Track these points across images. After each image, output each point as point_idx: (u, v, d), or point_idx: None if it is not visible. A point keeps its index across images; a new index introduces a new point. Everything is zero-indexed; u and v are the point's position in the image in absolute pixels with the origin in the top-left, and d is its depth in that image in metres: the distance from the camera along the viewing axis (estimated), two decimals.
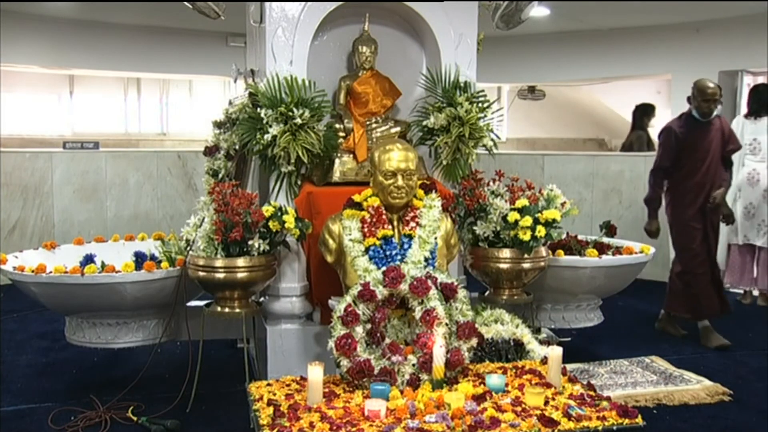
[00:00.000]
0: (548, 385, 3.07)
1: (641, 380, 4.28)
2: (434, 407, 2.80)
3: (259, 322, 4.11)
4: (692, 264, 5.07)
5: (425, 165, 4.13)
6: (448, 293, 3.25)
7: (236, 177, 4.30)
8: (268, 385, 3.16)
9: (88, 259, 4.13)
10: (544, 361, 3.34)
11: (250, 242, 3.52)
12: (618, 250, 4.53)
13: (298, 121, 3.75)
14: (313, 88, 3.90)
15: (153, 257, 4.22)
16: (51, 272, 3.76)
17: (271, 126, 3.77)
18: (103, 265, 3.87)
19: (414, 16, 4.18)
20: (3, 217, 6.86)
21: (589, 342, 5.03)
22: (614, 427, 2.75)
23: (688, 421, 3.76)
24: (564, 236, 4.42)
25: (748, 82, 7.36)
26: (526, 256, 3.81)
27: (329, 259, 3.56)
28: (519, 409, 2.82)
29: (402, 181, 3.42)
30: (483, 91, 4.23)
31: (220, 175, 4.51)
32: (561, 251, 4.30)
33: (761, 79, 7.94)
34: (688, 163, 5.02)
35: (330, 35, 4.20)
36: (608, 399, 2.95)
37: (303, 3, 3.92)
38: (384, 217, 3.48)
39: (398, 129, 4.14)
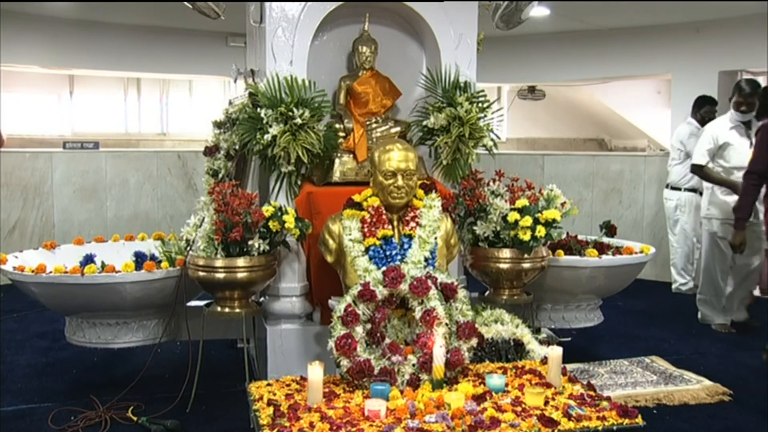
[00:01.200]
0: (548, 385, 3.07)
1: (641, 380, 4.28)
2: (434, 407, 2.80)
3: (259, 322, 4.11)
4: None
5: (425, 165, 4.13)
6: (448, 293, 3.25)
7: (236, 177, 4.30)
8: (268, 385, 3.16)
9: (88, 259, 4.13)
10: (544, 361, 3.34)
11: (250, 242, 3.52)
12: (618, 250, 4.53)
13: (298, 121, 3.75)
14: (313, 88, 3.90)
15: (153, 257, 4.22)
16: (51, 272, 3.76)
17: (271, 126, 3.76)
18: (103, 265, 3.87)
19: (414, 16, 4.17)
20: (3, 217, 6.86)
21: (589, 342, 5.03)
22: (614, 427, 2.74)
23: (688, 421, 3.76)
24: (564, 236, 4.42)
25: None
26: (526, 256, 3.81)
27: (329, 259, 3.55)
28: (519, 409, 2.82)
29: (402, 181, 3.42)
30: (483, 91, 4.23)
31: (220, 175, 4.52)
32: (561, 251, 4.30)
33: (761, 80, 7.94)
34: None
35: (330, 35, 4.20)
36: (608, 399, 2.95)
37: (303, 3, 3.92)
38: (384, 217, 3.48)
39: (398, 129, 4.14)
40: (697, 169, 5.47)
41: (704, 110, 6.54)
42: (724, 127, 5.36)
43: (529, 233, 3.74)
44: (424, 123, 4.11)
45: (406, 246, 3.44)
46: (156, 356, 4.17)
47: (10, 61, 7.42)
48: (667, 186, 6.69)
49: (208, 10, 4.21)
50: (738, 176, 5.10)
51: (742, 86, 5.24)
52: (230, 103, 4.81)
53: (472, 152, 4.10)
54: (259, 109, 3.81)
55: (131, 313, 3.90)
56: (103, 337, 3.94)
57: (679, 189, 6.53)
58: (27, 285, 3.85)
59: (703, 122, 6.49)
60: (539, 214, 3.77)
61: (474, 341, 3.24)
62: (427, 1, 4.11)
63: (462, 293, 3.30)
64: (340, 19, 4.16)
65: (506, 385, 3.08)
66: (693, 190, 6.38)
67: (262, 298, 4.07)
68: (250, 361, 4.14)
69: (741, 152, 5.18)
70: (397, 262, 3.35)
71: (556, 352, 3.13)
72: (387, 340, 3.19)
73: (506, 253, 3.82)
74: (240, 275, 3.52)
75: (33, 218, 7.02)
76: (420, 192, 3.58)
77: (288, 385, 3.14)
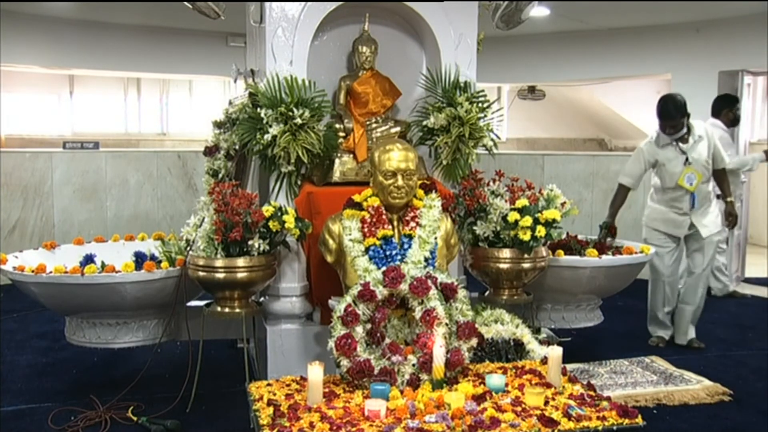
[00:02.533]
0: (548, 385, 3.07)
1: (641, 380, 4.28)
2: (434, 407, 2.80)
3: (259, 322, 4.11)
4: None
5: (425, 165, 4.13)
6: (448, 293, 3.25)
7: (236, 177, 4.30)
8: (268, 385, 3.16)
9: (88, 259, 4.12)
10: (544, 361, 3.34)
11: (250, 242, 3.51)
12: (618, 250, 4.53)
13: (298, 121, 3.75)
14: (313, 88, 3.90)
15: (153, 257, 4.21)
16: (51, 272, 3.76)
17: (271, 126, 3.76)
18: (103, 265, 3.87)
19: (414, 16, 4.17)
20: (3, 217, 6.86)
21: (589, 342, 5.03)
22: (614, 427, 2.74)
23: (688, 421, 3.76)
24: (564, 236, 4.42)
25: (748, 82, 7.37)
26: (526, 256, 3.81)
27: (329, 259, 3.55)
28: (519, 409, 2.82)
29: (402, 181, 3.42)
30: (483, 91, 4.23)
31: (220, 175, 4.52)
32: (561, 251, 4.30)
33: (761, 79, 7.95)
34: None
35: (330, 35, 4.20)
36: (608, 399, 2.95)
37: (303, 3, 3.92)
38: (384, 217, 3.48)
39: (398, 129, 4.14)
40: (618, 187, 5.09)
41: (736, 109, 6.39)
42: (655, 147, 4.91)
43: (529, 233, 3.74)
44: (424, 123, 4.11)
45: (406, 246, 3.44)
46: (156, 356, 4.17)
47: (10, 61, 7.43)
48: None
49: (208, 10, 4.21)
50: (671, 196, 4.85)
51: (669, 111, 4.77)
52: (230, 103, 4.81)
53: (472, 152, 4.10)
54: (259, 109, 3.81)
55: (131, 313, 3.90)
56: (103, 337, 3.94)
57: None
58: (27, 285, 3.85)
59: (733, 124, 6.30)
60: (539, 214, 3.77)
61: (474, 341, 3.24)
62: (427, 1, 4.11)
63: (462, 293, 3.30)
64: (340, 19, 4.16)
65: (506, 385, 3.08)
66: None
67: (262, 298, 4.07)
68: (250, 361, 4.14)
69: (674, 173, 4.80)
70: (397, 262, 3.35)
71: (556, 352, 3.13)
72: (387, 340, 3.19)
73: (506, 253, 3.82)
74: (240, 275, 3.52)
75: (33, 218, 7.02)
76: (420, 192, 3.58)
77: (288, 385, 3.14)
